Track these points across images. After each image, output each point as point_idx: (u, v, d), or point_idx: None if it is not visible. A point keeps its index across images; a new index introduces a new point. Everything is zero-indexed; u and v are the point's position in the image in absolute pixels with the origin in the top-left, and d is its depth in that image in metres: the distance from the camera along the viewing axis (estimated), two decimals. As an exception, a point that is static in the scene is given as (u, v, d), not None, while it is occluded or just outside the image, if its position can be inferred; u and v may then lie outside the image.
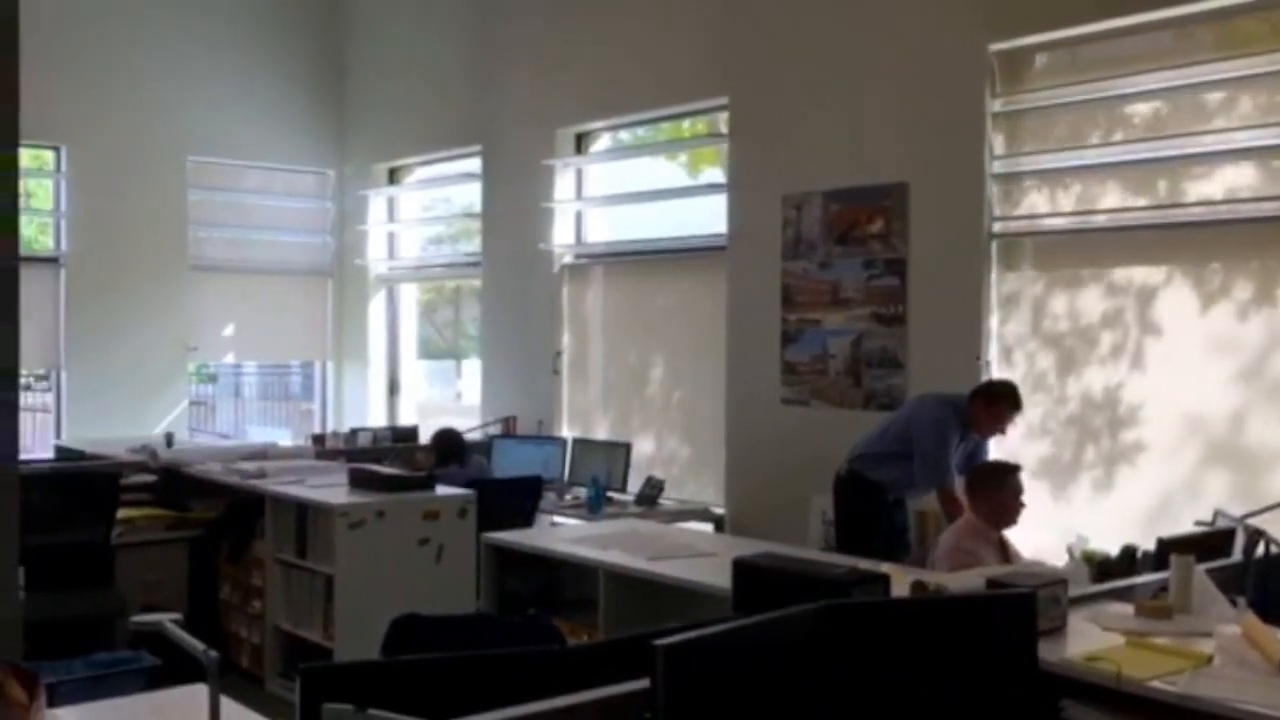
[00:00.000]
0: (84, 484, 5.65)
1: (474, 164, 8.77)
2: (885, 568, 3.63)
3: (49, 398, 9.00)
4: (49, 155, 8.76)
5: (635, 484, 6.83)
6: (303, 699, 2.27)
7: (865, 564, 3.64)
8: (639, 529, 5.05)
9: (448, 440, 6.68)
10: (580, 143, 7.98)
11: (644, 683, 2.09)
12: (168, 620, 2.50)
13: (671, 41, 7.11)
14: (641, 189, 7.76)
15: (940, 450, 5.07)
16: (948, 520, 4.93)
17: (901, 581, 3.43)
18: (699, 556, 4.32)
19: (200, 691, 3.15)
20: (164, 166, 9.09)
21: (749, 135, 6.63)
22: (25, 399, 8.18)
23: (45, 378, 9.03)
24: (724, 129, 6.95)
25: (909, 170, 5.81)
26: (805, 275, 6.26)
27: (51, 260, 8.69)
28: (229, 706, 2.94)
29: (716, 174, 7.25)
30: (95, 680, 3.90)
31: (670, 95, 7.22)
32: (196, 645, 2.37)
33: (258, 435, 10.44)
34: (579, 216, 8.05)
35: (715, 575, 3.91)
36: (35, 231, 8.95)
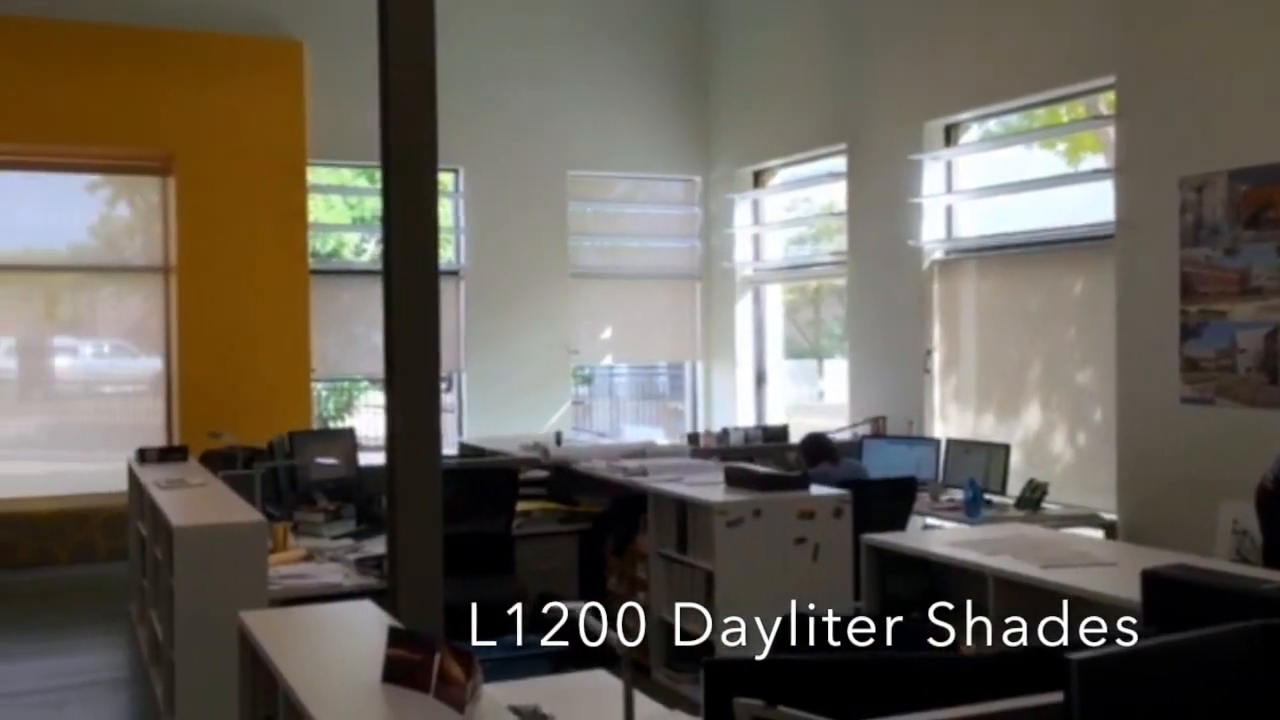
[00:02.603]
0: (488, 479, 6.11)
1: (838, 163, 8.75)
2: (1321, 586, 3.25)
3: (450, 398, 9.85)
4: (449, 177, 9.61)
5: (1014, 487, 6.55)
6: (707, 691, 2.33)
7: (1295, 581, 3.28)
8: (1026, 534, 4.82)
9: (816, 443, 6.70)
10: (949, 135, 7.76)
11: (1050, 697, 2.00)
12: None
13: (1049, 21, 6.76)
14: (1013, 180, 7.43)
15: None
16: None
17: (1344, 602, 3.06)
18: (1096, 565, 4.07)
19: (601, 677, 3.34)
20: (547, 182, 9.73)
21: (1140, 114, 6.17)
22: (433, 400, 8.97)
23: (447, 380, 9.88)
24: (1103, 110, 6.52)
25: (1334, 142, 5.20)
26: (1208, 263, 5.75)
27: (453, 273, 9.53)
28: (621, 691, 3.09)
29: (1096, 160, 6.82)
30: (508, 661, 4.20)
31: (1047, 79, 6.86)
32: (611, 634, 2.50)
33: (631, 434, 10.90)
34: (949, 211, 7.82)
35: (1116, 586, 3.68)
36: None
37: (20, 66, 8.06)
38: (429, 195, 3.94)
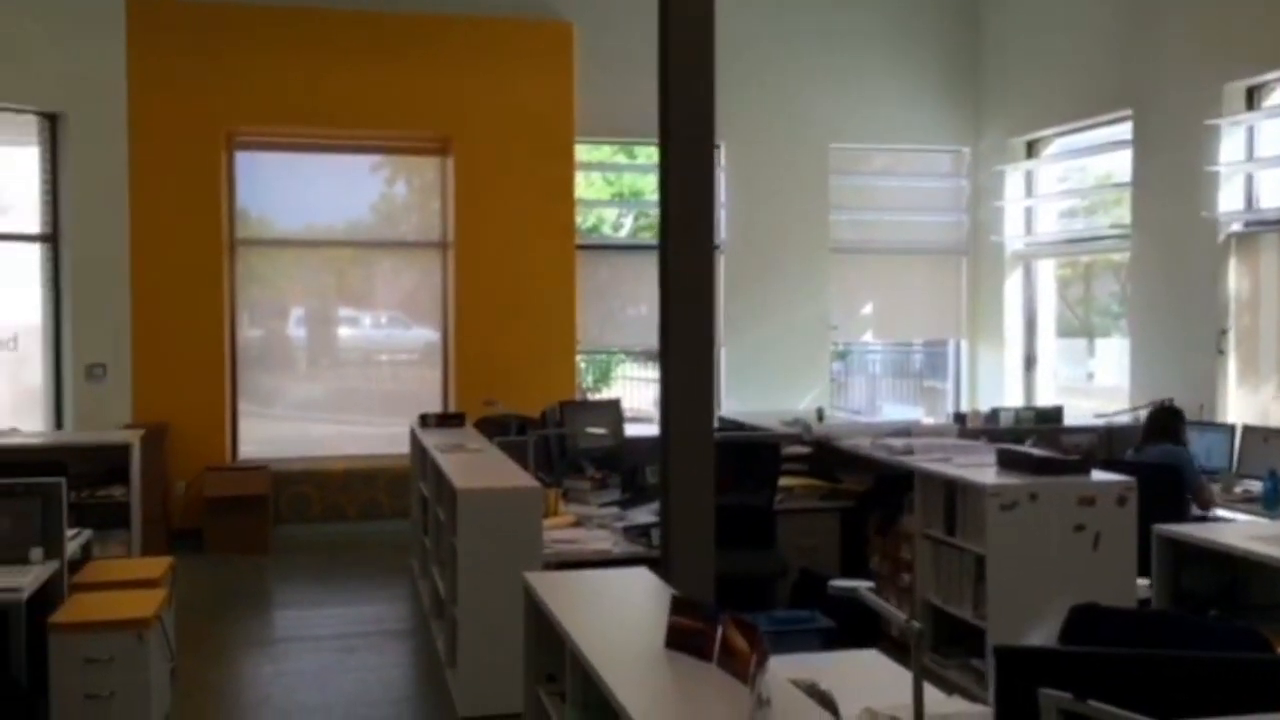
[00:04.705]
0: (751, 452, 6.12)
1: (1120, 130, 8.23)
2: None
3: (709, 372, 9.92)
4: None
5: (1322, 480, 6.00)
6: (999, 679, 2.25)
7: None
8: (1343, 532, 4.41)
9: (1157, 417, 6.25)
10: (1252, 97, 7.15)
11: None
12: (864, 587, 2.60)
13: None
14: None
15: None
16: None
17: None
18: None
19: (873, 656, 3.29)
20: (808, 155, 9.62)
21: None
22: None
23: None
24: None
25: None
26: None
27: (714, 247, 9.58)
28: (897, 673, 3.03)
29: None
30: (779, 635, 4.20)
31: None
32: (899, 616, 2.44)
33: (889, 412, 10.68)
34: (1250, 180, 7.22)
35: None
36: (699, 222, 9.91)
37: (315, 56, 8.63)
38: (705, 173, 3.98)
